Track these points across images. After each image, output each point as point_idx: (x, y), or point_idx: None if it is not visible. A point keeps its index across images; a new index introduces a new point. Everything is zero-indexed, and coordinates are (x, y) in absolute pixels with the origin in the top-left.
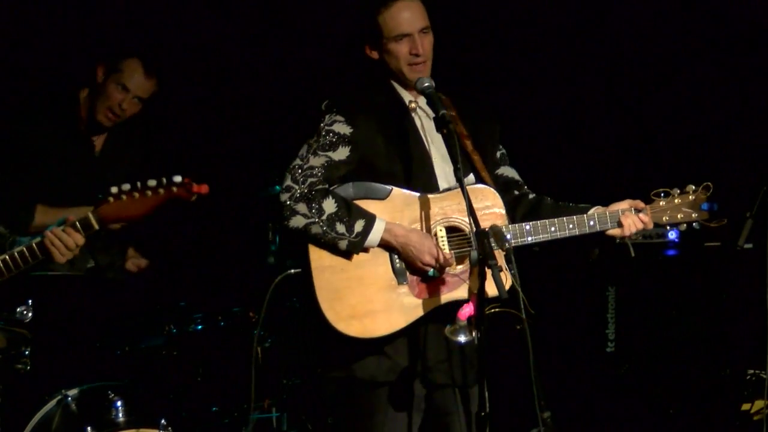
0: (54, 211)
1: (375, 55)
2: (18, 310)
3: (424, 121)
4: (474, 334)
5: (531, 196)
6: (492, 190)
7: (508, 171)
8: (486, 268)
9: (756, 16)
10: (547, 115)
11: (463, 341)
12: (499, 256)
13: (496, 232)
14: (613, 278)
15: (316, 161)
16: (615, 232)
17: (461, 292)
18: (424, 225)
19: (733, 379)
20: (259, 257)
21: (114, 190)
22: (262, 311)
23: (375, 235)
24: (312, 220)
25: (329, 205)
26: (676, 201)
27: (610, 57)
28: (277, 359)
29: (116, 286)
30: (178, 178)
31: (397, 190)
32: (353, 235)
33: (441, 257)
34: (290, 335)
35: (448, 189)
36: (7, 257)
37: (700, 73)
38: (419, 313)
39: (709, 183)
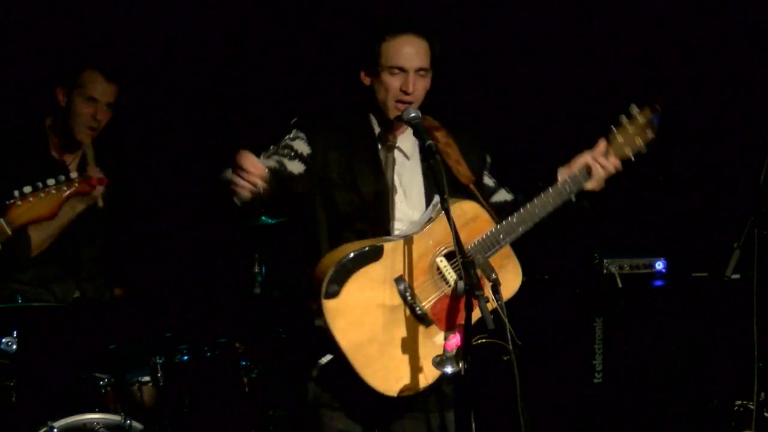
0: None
1: (367, 80)
2: (3, 341)
3: (397, 158)
4: (460, 365)
5: (512, 198)
6: (469, 201)
7: (500, 195)
8: (472, 299)
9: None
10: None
11: (449, 372)
12: (486, 287)
13: (482, 262)
14: (600, 309)
15: (267, 162)
16: (591, 185)
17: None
18: (425, 262)
19: (721, 410)
20: (246, 287)
21: (17, 193)
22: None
23: None
24: None
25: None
26: (629, 129)
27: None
28: (263, 390)
29: (101, 316)
30: (74, 175)
31: (389, 245)
32: None
33: None
34: (277, 366)
35: (430, 220)
36: None
37: (687, 101)
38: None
39: (656, 105)
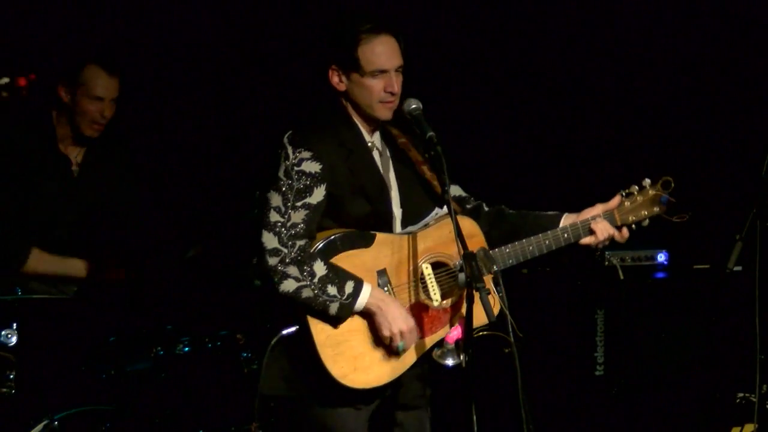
0: (49, 258)
1: (342, 86)
2: (2, 333)
3: (379, 158)
4: (461, 357)
5: (486, 209)
6: (470, 220)
7: (452, 190)
8: (474, 291)
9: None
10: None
11: (450, 365)
12: (487, 279)
13: (483, 255)
14: (601, 301)
15: (297, 216)
16: (589, 240)
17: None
18: (411, 264)
19: (723, 403)
20: (246, 279)
21: None
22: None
23: (363, 297)
24: (304, 283)
25: (320, 268)
26: (638, 199)
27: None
28: None
29: (102, 308)
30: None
31: (380, 235)
32: (344, 297)
33: (408, 330)
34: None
35: (426, 225)
36: None
37: (689, 93)
38: (418, 353)
39: (669, 178)
